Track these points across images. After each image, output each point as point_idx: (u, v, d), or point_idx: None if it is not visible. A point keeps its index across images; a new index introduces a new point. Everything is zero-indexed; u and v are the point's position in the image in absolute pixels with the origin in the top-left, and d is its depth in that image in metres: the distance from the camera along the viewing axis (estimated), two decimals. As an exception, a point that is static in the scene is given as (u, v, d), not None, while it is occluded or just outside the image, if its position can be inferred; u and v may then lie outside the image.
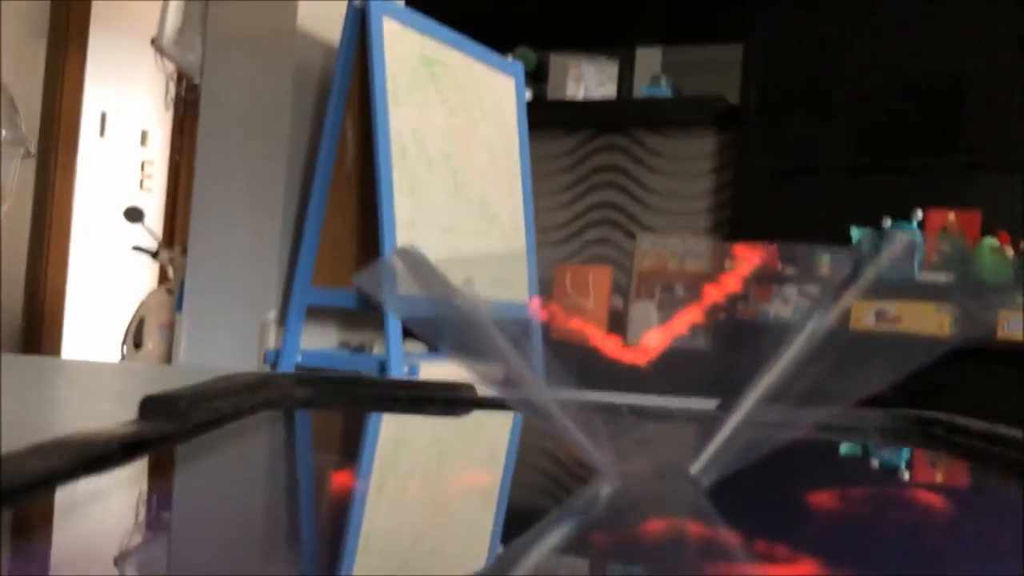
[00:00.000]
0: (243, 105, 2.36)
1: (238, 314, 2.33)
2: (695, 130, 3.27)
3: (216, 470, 0.33)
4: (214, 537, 0.29)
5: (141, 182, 4.46)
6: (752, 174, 3.11)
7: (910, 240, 0.37)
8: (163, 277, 3.75)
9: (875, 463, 0.49)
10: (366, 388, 0.40)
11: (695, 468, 0.31)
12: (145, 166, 4.50)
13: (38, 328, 3.87)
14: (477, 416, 0.43)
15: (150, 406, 0.31)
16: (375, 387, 0.39)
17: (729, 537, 0.29)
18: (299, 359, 2.23)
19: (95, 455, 0.25)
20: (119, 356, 2.87)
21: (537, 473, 0.41)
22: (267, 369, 2.25)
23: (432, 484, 0.40)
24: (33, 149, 3.34)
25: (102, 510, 0.26)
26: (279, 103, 2.32)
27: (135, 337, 2.80)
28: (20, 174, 3.35)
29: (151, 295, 2.92)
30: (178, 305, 2.52)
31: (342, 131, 2.25)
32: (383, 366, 2.06)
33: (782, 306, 3.03)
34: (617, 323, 3.08)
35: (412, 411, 0.41)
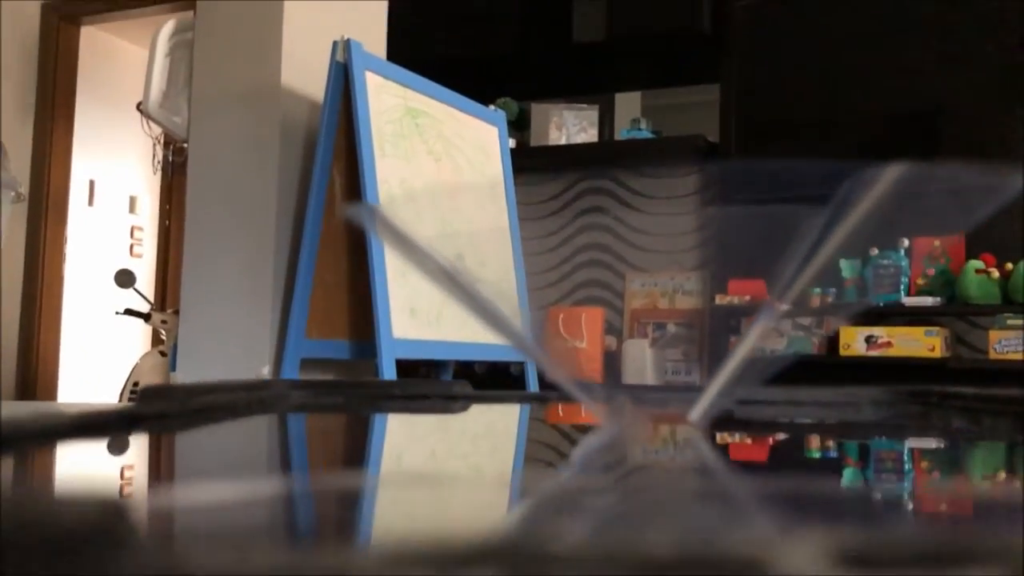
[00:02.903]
0: (230, 164, 2.39)
1: (233, 371, 2.33)
2: (677, 169, 3.32)
3: (212, 449, 0.34)
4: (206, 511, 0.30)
5: (131, 248, 4.48)
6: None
7: (901, 171, 0.41)
8: (156, 340, 3.74)
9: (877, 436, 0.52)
10: (363, 389, 0.41)
11: (694, 414, 0.36)
12: (135, 232, 4.51)
13: (32, 395, 3.85)
14: (475, 411, 0.44)
15: (148, 393, 0.32)
16: (372, 387, 0.40)
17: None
18: (295, 412, 2.22)
19: (91, 423, 0.26)
20: (114, 420, 2.86)
21: (545, 456, 0.42)
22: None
23: (439, 468, 0.41)
24: (24, 192, 3.36)
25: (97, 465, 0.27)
26: (266, 160, 2.35)
27: (130, 400, 2.79)
28: (11, 236, 3.36)
29: (144, 358, 2.92)
30: (172, 366, 2.52)
31: (330, 184, 2.27)
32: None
33: (776, 338, 3.05)
34: (611, 363, 3.09)
35: (411, 410, 0.41)
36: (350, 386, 0.39)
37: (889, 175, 0.43)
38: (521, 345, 0.37)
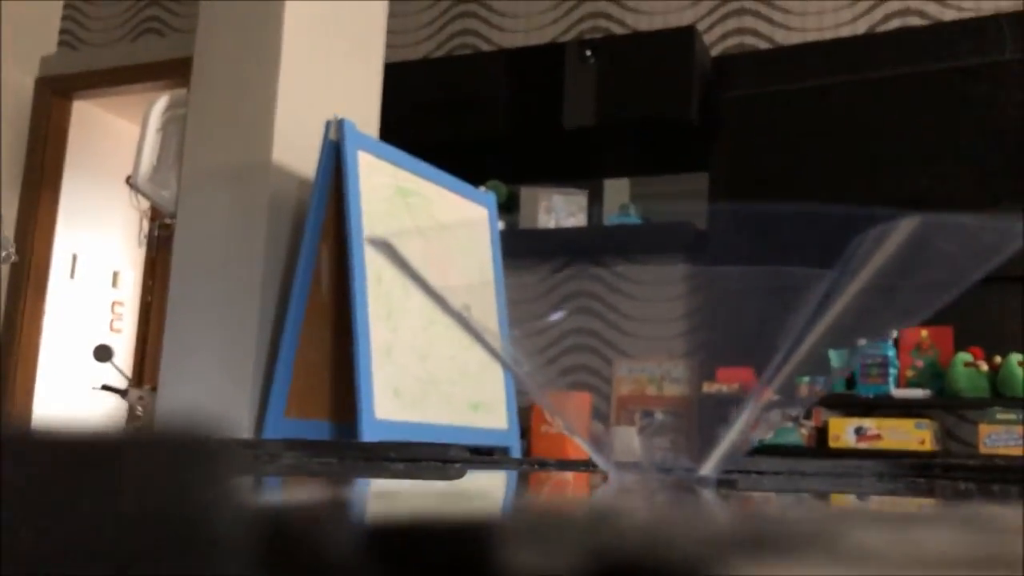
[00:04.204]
0: (217, 238, 2.37)
1: (209, 449, 2.26)
2: (665, 256, 3.32)
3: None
4: None
5: (111, 323, 4.42)
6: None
7: (915, 224, 0.39)
8: (132, 416, 3.65)
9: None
10: (355, 451, 0.37)
11: (706, 468, 0.38)
12: (115, 306, 4.46)
13: None
14: (472, 477, 0.41)
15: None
16: (364, 450, 0.37)
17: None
18: (272, 494, 2.15)
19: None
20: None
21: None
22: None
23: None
24: (13, 252, 3.32)
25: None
26: (253, 236, 2.33)
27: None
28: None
29: (119, 435, 2.84)
30: (147, 443, 2.45)
31: (317, 262, 2.25)
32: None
33: (766, 430, 3.00)
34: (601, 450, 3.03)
35: (406, 476, 0.38)
36: (343, 447, 0.36)
37: (903, 228, 0.42)
38: (528, 386, 0.36)
